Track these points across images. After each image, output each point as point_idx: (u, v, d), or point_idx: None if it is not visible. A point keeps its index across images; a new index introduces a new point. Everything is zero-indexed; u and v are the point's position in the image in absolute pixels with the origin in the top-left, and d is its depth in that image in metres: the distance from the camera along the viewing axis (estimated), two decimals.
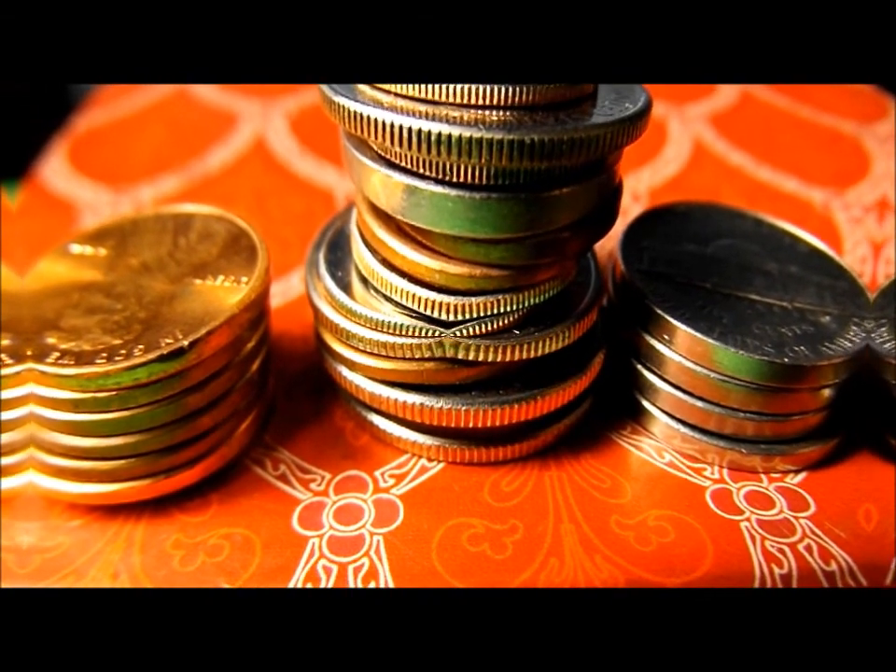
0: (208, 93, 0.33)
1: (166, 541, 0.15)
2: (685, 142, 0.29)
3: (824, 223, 0.25)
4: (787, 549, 0.15)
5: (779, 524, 0.16)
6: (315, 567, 0.15)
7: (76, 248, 0.17)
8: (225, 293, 0.16)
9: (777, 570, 0.15)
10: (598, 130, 0.13)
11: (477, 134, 0.13)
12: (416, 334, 0.15)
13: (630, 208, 0.25)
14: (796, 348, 0.16)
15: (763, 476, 0.17)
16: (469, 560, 0.15)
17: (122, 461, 0.15)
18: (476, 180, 0.14)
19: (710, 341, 0.16)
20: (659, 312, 0.16)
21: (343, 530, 0.15)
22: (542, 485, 0.17)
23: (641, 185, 0.26)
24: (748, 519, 0.16)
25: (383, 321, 0.16)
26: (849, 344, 0.16)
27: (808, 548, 0.15)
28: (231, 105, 0.31)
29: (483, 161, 0.13)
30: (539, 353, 0.16)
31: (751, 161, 0.28)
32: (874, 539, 0.15)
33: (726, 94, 0.33)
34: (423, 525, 0.16)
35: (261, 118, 0.30)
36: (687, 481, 0.17)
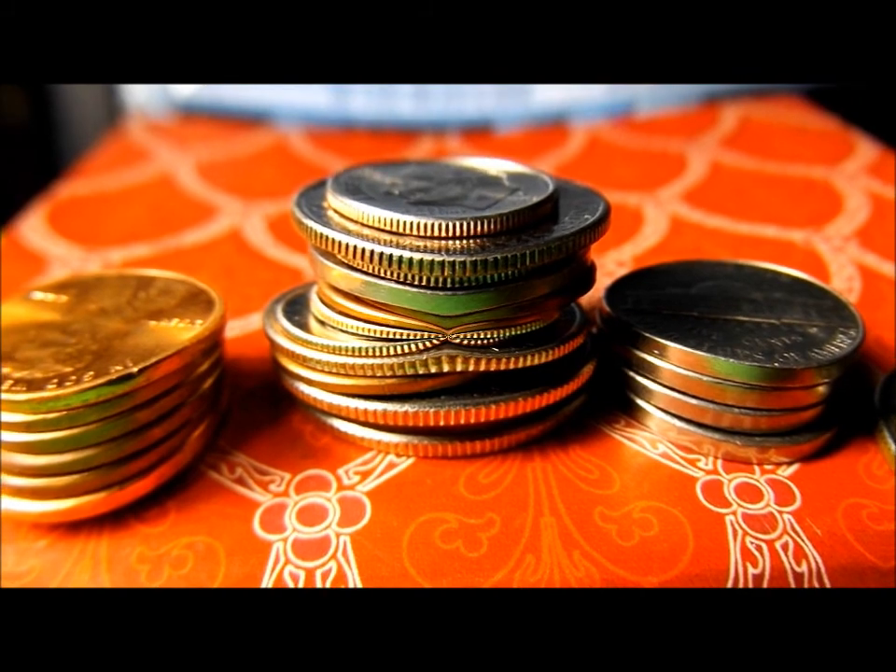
0: (191, 184, 0.35)
1: (131, 556, 0.16)
2: (662, 220, 0.31)
3: (808, 256, 0.28)
4: (764, 546, 0.16)
5: (763, 518, 0.17)
6: (281, 575, 0.16)
7: (38, 295, 0.19)
8: (178, 332, 0.17)
9: (751, 570, 0.16)
10: (558, 242, 0.15)
11: (439, 259, 0.15)
12: (377, 354, 0.17)
13: (616, 273, 0.26)
14: (786, 354, 0.17)
15: (756, 468, 0.18)
16: (442, 559, 0.16)
17: (76, 475, 0.16)
18: (439, 286, 0.15)
19: (701, 353, 0.17)
20: (647, 335, 0.18)
21: (308, 532, 0.17)
22: (524, 476, 0.18)
23: (625, 255, 0.28)
24: (734, 513, 0.17)
25: (340, 346, 0.17)
26: (837, 350, 0.17)
27: (785, 546, 0.16)
28: (213, 199, 0.34)
29: (445, 274, 0.15)
30: (514, 366, 0.17)
31: (730, 221, 0.31)
32: (846, 542, 0.16)
33: (695, 170, 0.36)
34: (392, 523, 0.17)
35: (241, 215, 0.32)
36: (679, 471, 0.18)
